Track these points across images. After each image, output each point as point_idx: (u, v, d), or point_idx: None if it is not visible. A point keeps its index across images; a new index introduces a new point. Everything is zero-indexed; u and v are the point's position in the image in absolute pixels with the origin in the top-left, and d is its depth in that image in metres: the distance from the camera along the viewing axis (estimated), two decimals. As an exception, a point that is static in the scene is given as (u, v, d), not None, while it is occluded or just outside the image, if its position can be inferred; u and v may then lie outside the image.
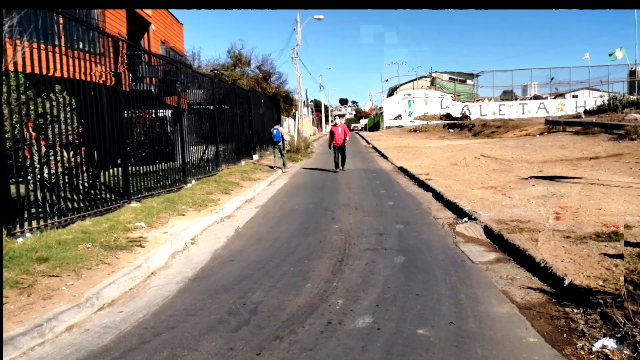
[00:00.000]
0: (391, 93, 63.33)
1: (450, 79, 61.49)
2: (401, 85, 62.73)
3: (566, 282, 4.56)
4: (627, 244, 5.07)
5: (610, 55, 48.45)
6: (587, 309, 4.01)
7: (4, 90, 6.34)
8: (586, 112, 30.65)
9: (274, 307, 4.47)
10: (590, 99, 50.49)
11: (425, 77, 62.18)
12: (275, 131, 18.74)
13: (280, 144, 18.64)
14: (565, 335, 3.69)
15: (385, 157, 22.80)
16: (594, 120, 23.15)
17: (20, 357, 3.65)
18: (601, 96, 46.48)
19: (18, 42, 6.58)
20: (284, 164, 18.79)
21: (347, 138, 17.66)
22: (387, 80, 62.39)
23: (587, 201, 8.32)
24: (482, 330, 3.86)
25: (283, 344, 3.69)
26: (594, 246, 5.58)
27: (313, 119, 77.30)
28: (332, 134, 17.55)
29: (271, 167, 18.48)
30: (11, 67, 6.53)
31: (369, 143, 35.91)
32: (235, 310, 4.44)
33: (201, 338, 3.87)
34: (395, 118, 56.79)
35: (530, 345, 3.59)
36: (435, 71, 61.71)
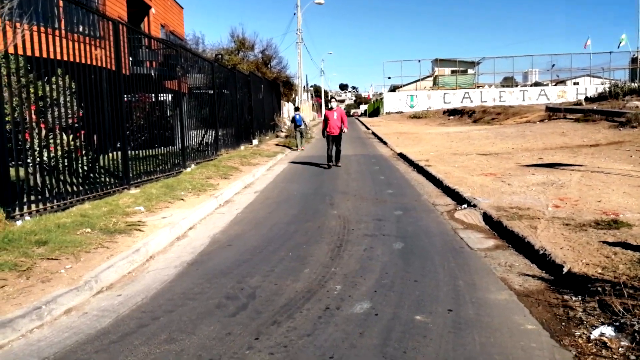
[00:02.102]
0: (393, 89, 62.91)
1: (453, 71, 61.03)
2: (403, 86, 62.23)
3: (565, 270, 4.57)
4: (627, 246, 5.04)
5: (620, 42, 48.14)
6: (586, 297, 4.01)
7: (4, 72, 6.30)
8: (587, 99, 30.54)
9: (272, 292, 4.47)
10: (591, 86, 50.26)
11: (428, 77, 61.78)
12: (297, 116, 22.14)
13: (302, 127, 21.82)
14: (563, 322, 3.69)
15: (385, 143, 22.77)
16: (595, 108, 23.10)
17: (18, 340, 3.66)
18: (602, 83, 46.27)
19: (18, 24, 6.52)
20: (301, 143, 22.01)
21: (345, 130, 14.75)
22: (389, 78, 61.89)
23: (587, 190, 8.31)
24: (480, 316, 3.87)
25: (281, 329, 3.70)
26: (594, 234, 5.58)
27: (313, 105, 76.96)
28: (326, 119, 14.89)
29: (291, 148, 21.59)
30: (11, 50, 6.47)
31: (368, 129, 35.84)
32: (233, 295, 4.45)
33: (199, 322, 3.87)
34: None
35: (528, 332, 3.60)
36: (438, 59, 61.21)
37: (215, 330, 3.71)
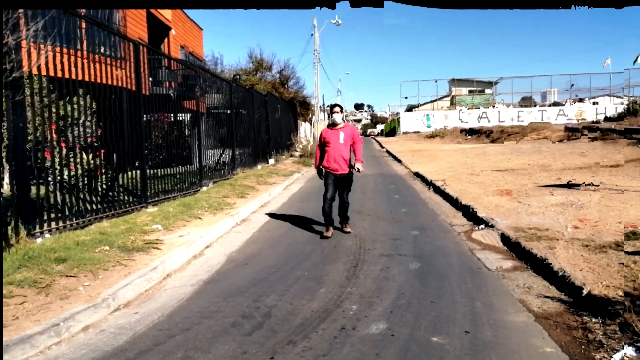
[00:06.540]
0: (410, 109, 63.07)
1: (470, 91, 61.05)
2: (420, 105, 62.38)
3: (584, 292, 4.49)
4: None
5: (634, 62, 47.57)
6: (606, 319, 3.94)
7: (27, 93, 6.44)
8: (606, 118, 30.32)
9: (287, 312, 4.47)
10: (611, 106, 49.76)
11: (445, 96, 61.88)
12: None
13: None
14: (583, 345, 3.63)
15: (400, 161, 22.74)
16: (614, 127, 22.87)
17: (37, 356, 3.69)
18: (622, 103, 45.78)
19: (42, 45, 6.69)
20: None
21: (359, 166, 7.81)
22: (406, 98, 62.30)
23: (607, 210, 8.19)
24: (498, 339, 3.82)
25: (296, 348, 3.68)
26: (614, 255, 5.49)
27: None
28: (323, 145, 8.02)
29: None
30: (35, 71, 6.63)
31: (382, 147, 35.88)
32: (249, 314, 4.45)
33: (215, 341, 3.88)
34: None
35: (546, 355, 3.54)
36: (455, 79, 61.30)
37: (231, 349, 3.71)
